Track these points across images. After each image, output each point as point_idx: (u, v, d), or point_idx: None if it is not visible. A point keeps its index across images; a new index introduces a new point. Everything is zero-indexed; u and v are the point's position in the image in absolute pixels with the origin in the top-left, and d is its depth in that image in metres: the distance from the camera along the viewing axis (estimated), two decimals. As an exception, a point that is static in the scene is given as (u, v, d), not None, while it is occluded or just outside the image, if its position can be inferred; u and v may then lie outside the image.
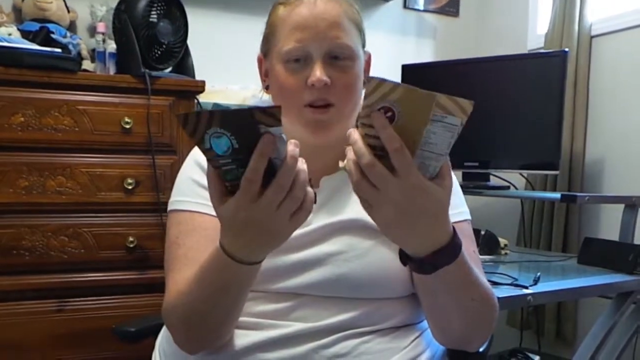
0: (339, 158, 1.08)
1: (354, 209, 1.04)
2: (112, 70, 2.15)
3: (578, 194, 2.23)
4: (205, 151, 0.74)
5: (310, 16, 1.01)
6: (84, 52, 2.19)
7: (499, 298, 1.03)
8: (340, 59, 1.02)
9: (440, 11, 3.17)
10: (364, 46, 1.10)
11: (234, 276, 0.87)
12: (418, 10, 3.13)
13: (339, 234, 1.03)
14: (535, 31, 2.89)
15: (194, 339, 0.97)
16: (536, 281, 1.65)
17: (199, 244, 0.99)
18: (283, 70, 1.03)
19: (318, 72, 1.00)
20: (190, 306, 0.93)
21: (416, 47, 3.13)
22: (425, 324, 1.08)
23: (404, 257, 0.86)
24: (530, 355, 2.37)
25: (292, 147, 0.76)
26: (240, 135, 0.71)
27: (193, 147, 1.10)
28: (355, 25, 1.06)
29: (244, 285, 0.91)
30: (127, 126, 2.01)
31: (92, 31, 2.36)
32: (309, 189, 0.79)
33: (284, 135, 0.74)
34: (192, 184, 1.07)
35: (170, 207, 1.09)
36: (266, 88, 1.13)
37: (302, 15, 1.02)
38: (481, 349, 1.07)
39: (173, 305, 0.97)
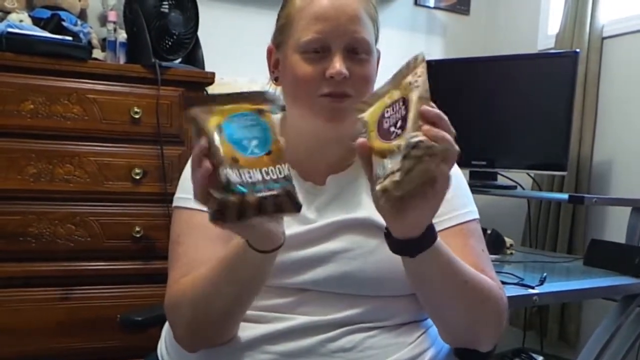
0: (345, 157, 1.09)
1: (360, 208, 1.05)
2: (122, 60, 2.15)
3: (586, 195, 2.23)
4: None
5: (331, 8, 1.01)
6: (95, 41, 2.19)
7: (503, 297, 1.03)
8: (359, 53, 1.02)
9: (451, 9, 3.16)
10: (377, 42, 1.10)
11: (243, 264, 0.89)
12: (429, 7, 3.12)
13: (345, 232, 1.03)
14: (546, 31, 2.88)
15: (195, 335, 0.97)
16: (542, 281, 1.65)
17: (199, 243, 1.00)
18: (300, 60, 1.02)
19: (338, 65, 0.99)
20: (197, 300, 0.94)
21: (426, 45, 3.12)
22: (430, 321, 1.08)
23: (393, 241, 0.87)
24: (534, 355, 2.37)
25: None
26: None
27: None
28: (372, 20, 1.06)
29: (254, 277, 0.91)
30: (136, 116, 2.01)
31: (103, 20, 2.37)
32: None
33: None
34: None
35: (174, 204, 1.10)
36: (275, 79, 1.12)
37: (322, 6, 1.01)
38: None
39: (175, 304, 0.98)
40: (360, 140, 0.81)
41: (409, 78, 0.81)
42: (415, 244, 0.85)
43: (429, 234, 0.85)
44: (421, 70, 0.81)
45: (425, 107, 0.77)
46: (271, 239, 0.86)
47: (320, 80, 1.01)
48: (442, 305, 0.96)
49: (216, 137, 0.76)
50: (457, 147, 0.77)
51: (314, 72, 1.01)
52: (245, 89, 2.46)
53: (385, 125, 0.81)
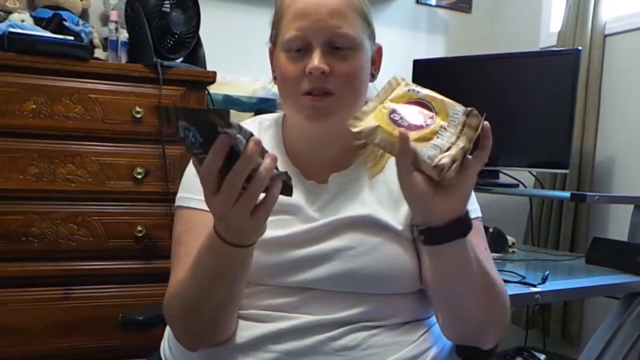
0: (346, 154, 1.08)
1: (362, 206, 1.04)
2: (123, 59, 2.15)
3: (588, 193, 2.22)
4: (179, 140, 0.80)
5: (312, 4, 1.01)
6: (96, 41, 2.19)
7: (507, 295, 1.03)
8: (341, 48, 1.02)
9: (453, 7, 3.16)
10: (372, 38, 1.09)
11: (226, 258, 0.88)
12: (430, 5, 3.11)
13: (347, 230, 1.03)
14: (548, 29, 2.87)
15: (192, 333, 0.98)
16: (544, 280, 1.65)
17: (199, 243, 1.00)
18: (285, 58, 1.03)
19: (316, 61, 0.99)
20: (186, 296, 0.94)
21: (428, 43, 3.12)
22: (433, 319, 1.08)
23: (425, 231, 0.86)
24: (536, 354, 2.36)
25: (251, 145, 0.77)
26: (202, 131, 0.76)
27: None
28: (359, 15, 1.05)
29: (237, 270, 0.91)
30: (138, 115, 2.01)
31: (105, 20, 2.37)
32: (275, 187, 0.81)
33: (239, 136, 0.77)
34: (197, 181, 1.07)
35: (176, 203, 1.10)
36: (274, 78, 1.13)
37: (304, 3, 1.01)
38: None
39: (172, 298, 0.98)
40: (402, 130, 0.81)
41: (400, 90, 0.88)
42: (462, 222, 0.84)
43: (468, 215, 0.86)
44: (407, 81, 0.89)
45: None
46: (248, 234, 0.86)
47: (302, 77, 1.01)
48: (458, 300, 0.95)
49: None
50: None
51: (296, 70, 1.01)
52: (248, 88, 2.48)
53: (406, 122, 0.83)
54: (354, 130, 0.85)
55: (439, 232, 0.84)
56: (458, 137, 0.81)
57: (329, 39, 1.01)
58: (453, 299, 0.97)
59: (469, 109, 0.82)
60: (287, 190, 0.84)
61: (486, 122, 0.81)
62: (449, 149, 0.80)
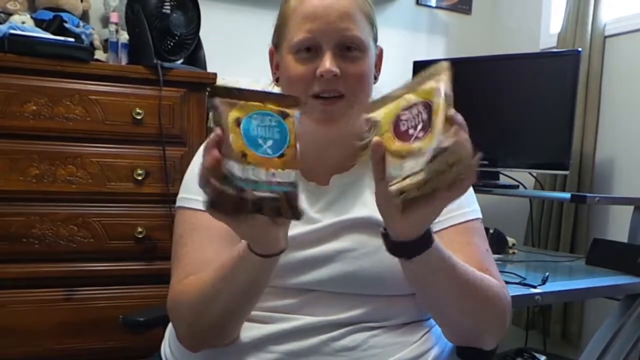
0: (349, 156, 1.09)
1: (364, 207, 1.05)
2: (124, 61, 2.15)
3: (588, 194, 2.22)
4: None
5: (321, 6, 1.01)
6: (97, 42, 2.19)
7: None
8: (351, 50, 1.02)
9: (453, 8, 3.16)
10: (375, 40, 1.10)
11: (248, 268, 0.88)
12: (430, 7, 3.12)
13: (349, 232, 1.03)
14: (548, 30, 2.87)
15: (197, 335, 0.98)
16: (544, 281, 1.65)
17: (201, 243, 1.00)
18: (293, 60, 1.03)
19: (328, 63, 0.99)
20: (200, 301, 0.94)
21: (428, 44, 3.12)
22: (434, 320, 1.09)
23: (390, 242, 0.86)
24: (537, 355, 2.37)
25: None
26: None
27: (203, 140, 1.10)
28: (366, 18, 1.06)
29: (258, 281, 0.91)
30: (138, 117, 2.01)
31: (105, 21, 2.37)
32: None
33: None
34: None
35: (177, 204, 1.10)
36: (276, 81, 1.13)
37: (313, 5, 1.02)
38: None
39: (176, 305, 0.99)
40: (376, 139, 0.79)
41: (431, 84, 0.79)
42: (411, 246, 0.84)
43: (426, 237, 0.85)
44: (445, 77, 0.79)
45: (454, 112, 0.76)
46: (271, 243, 0.85)
47: (312, 79, 1.01)
48: (441, 306, 0.96)
49: (231, 130, 0.76)
50: (475, 161, 0.75)
51: (306, 72, 1.02)
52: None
53: (403, 128, 0.79)
54: (366, 115, 0.82)
55: (393, 245, 0.86)
56: (421, 170, 0.75)
57: (339, 42, 1.01)
58: (431, 304, 0.99)
59: (446, 145, 0.74)
60: (285, 213, 0.77)
61: (474, 160, 0.75)
62: (408, 177, 0.76)
